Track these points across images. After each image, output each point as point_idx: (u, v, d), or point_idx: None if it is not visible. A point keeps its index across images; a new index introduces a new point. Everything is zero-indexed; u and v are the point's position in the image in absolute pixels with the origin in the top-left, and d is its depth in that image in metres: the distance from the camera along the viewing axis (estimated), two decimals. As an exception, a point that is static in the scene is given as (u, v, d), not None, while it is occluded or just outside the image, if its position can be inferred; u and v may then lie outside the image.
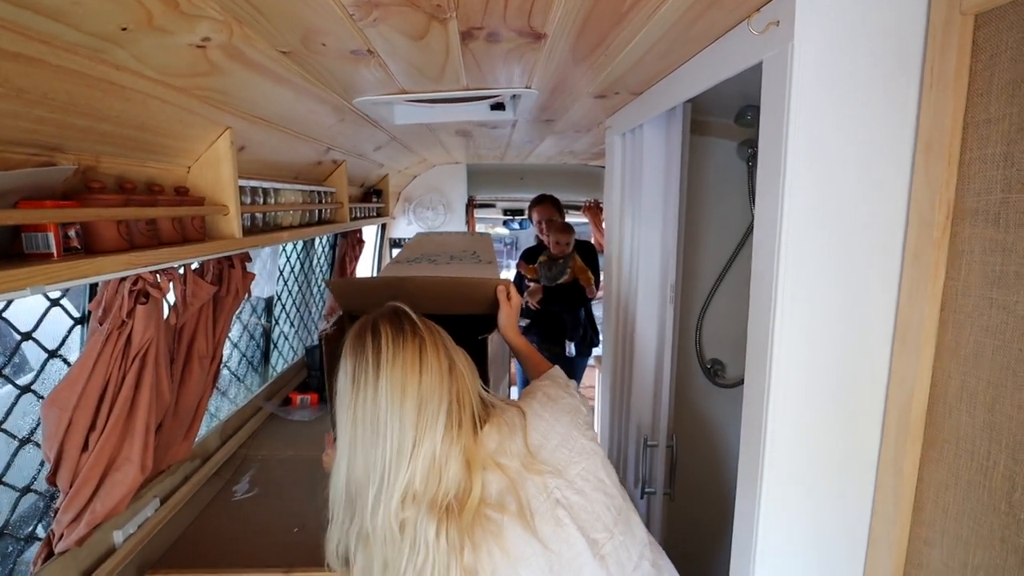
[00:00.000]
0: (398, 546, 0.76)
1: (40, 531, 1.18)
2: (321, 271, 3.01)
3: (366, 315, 0.85)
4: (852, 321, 0.77)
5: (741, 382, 1.91)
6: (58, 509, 1.02)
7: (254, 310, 2.29)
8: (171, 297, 1.17)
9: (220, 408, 2.01)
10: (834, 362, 0.78)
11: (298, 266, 2.70)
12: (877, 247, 0.75)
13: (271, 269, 2.20)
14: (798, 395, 0.79)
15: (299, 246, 2.68)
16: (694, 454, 1.87)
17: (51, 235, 0.72)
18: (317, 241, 2.89)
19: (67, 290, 0.95)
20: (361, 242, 3.10)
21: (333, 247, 3.03)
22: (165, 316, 1.14)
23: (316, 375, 2.37)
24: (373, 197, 2.85)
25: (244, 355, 2.22)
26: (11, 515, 1.10)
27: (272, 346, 2.47)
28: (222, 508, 1.51)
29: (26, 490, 1.12)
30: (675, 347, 1.59)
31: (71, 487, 0.99)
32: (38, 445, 1.09)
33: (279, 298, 2.50)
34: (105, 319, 0.95)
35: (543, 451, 0.85)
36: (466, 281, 1.26)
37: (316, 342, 2.73)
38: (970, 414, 0.65)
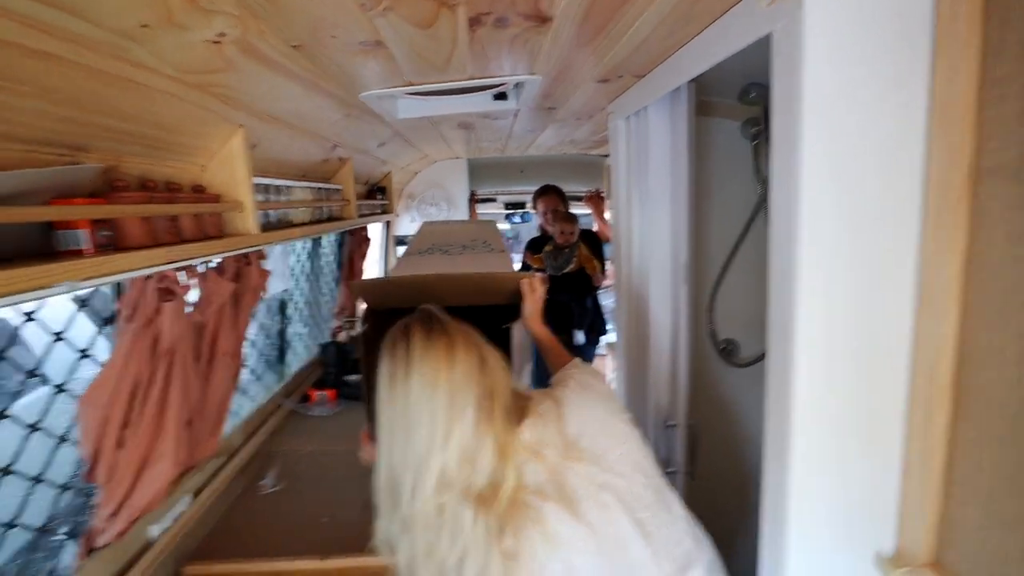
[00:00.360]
0: (437, 532, 0.79)
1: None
2: (329, 269, 3.02)
3: (401, 320, 0.89)
4: (873, 288, 0.77)
5: (755, 361, 1.92)
6: (97, 505, 1.05)
7: (269, 310, 2.31)
8: (192, 297, 1.19)
9: (241, 406, 2.04)
10: (857, 329, 0.78)
11: (308, 265, 2.72)
12: (896, 212, 0.75)
13: (283, 268, 2.22)
14: (822, 366, 0.79)
15: (308, 245, 2.70)
16: (711, 434, 1.87)
17: (84, 232, 0.73)
18: (324, 240, 2.91)
19: (95, 290, 0.96)
20: (367, 240, 3.11)
21: (340, 245, 3.05)
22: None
23: (332, 372, 2.39)
24: (377, 194, 2.86)
25: (262, 353, 2.24)
26: (53, 511, 1.12)
27: (287, 344, 2.49)
28: (251, 502, 1.54)
29: (65, 487, 1.14)
30: (691, 327, 1.60)
31: (109, 483, 1.01)
32: (67, 441, 1.11)
33: (291, 298, 2.52)
34: (133, 317, 0.97)
35: (583, 439, 0.87)
36: (492, 276, 1.28)
37: (330, 339, 2.75)
38: (999, 371, 0.65)
